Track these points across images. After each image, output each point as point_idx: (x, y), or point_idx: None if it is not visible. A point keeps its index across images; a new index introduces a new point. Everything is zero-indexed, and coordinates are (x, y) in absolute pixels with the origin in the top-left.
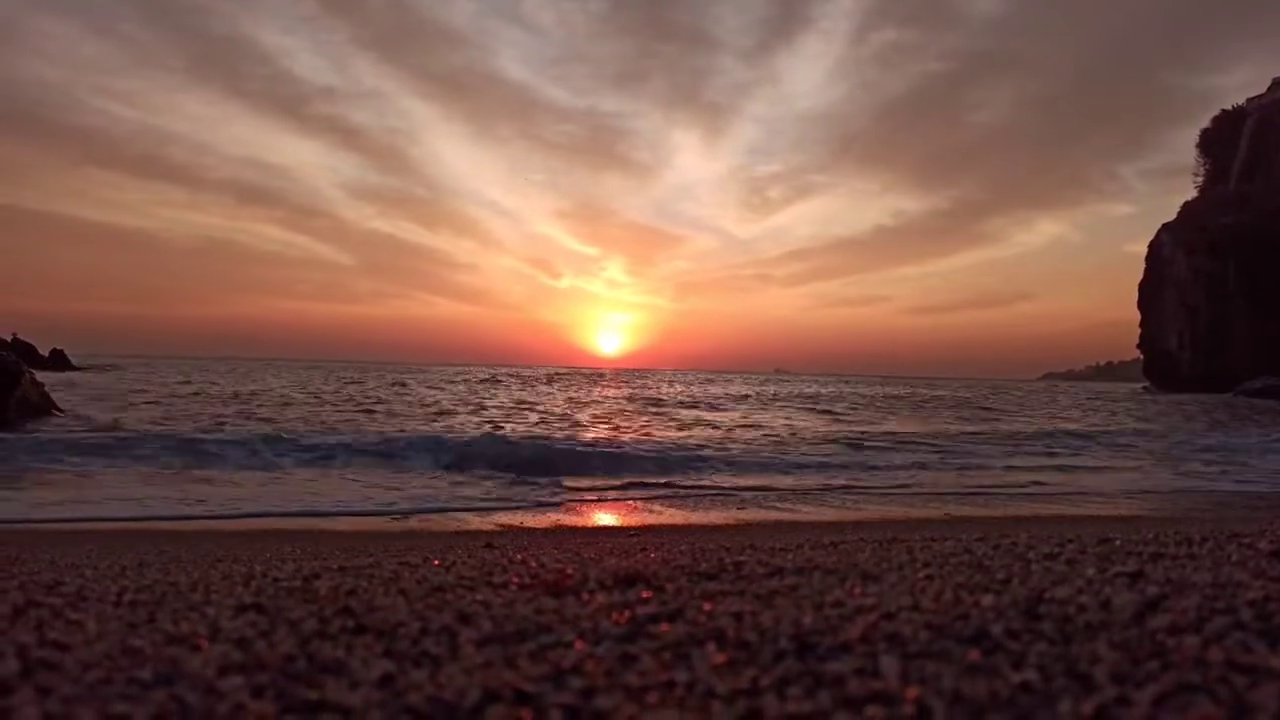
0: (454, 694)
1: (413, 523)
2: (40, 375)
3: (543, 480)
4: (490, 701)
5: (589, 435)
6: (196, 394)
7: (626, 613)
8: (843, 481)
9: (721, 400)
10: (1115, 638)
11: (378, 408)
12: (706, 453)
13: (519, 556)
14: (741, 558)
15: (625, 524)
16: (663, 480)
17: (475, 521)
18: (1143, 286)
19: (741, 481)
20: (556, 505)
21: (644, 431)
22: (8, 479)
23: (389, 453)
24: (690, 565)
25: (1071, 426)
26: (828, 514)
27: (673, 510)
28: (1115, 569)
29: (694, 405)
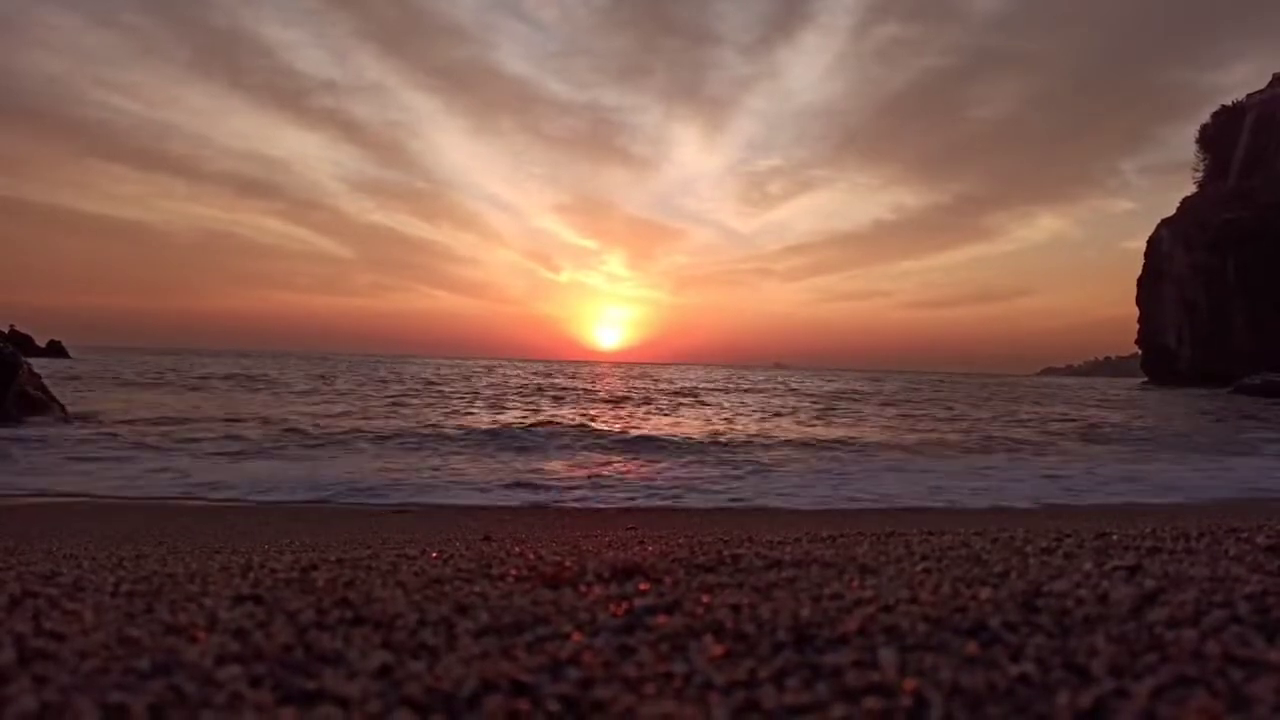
0: (451, 684)
1: (411, 515)
2: (37, 367)
3: None
4: (487, 692)
5: None
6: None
7: (624, 605)
8: None
9: None
10: (1113, 631)
11: None
12: None
13: (517, 549)
14: (740, 550)
15: (623, 517)
16: None
17: (475, 514)
18: (1142, 282)
19: None
20: None
21: None
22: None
23: None
24: (688, 558)
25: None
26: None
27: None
28: (1113, 563)
29: None
